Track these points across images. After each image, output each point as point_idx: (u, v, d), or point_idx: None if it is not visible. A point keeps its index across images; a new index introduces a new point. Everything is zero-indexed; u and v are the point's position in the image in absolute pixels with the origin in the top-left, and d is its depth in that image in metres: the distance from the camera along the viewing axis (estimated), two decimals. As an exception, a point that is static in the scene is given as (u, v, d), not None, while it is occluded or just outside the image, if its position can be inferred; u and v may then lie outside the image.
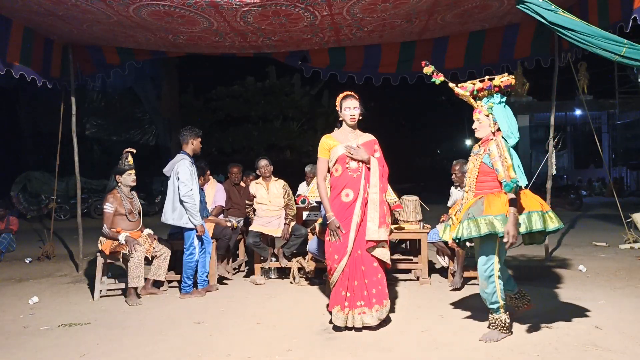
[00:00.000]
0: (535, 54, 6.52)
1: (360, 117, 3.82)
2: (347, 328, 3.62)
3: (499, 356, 3.06)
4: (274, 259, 5.67)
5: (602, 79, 22.21)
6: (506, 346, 3.22)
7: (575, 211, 14.37)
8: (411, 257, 5.56)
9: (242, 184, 6.42)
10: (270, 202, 5.56)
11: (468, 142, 29.69)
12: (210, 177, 6.05)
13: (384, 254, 3.69)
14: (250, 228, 5.58)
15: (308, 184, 6.25)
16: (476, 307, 4.20)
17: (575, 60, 6.28)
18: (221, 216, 5.91)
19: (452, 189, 5.44)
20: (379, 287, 3.66)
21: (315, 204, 5.72)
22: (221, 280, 5.51)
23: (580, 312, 3.94)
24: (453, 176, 5.28)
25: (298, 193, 6.16)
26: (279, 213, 5.58)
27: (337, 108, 3.86)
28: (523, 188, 3.27)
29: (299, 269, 5.42)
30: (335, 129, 3.92)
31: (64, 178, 13.69)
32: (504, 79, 3.32)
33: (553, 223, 3.18)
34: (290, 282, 5.39)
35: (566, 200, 15.48)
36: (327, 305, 3.93)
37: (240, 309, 4.39)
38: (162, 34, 5.75)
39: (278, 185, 5.64)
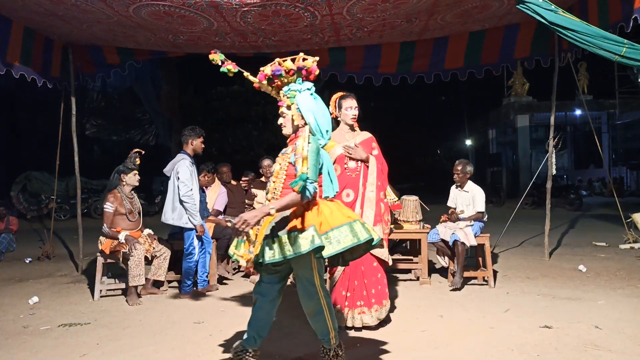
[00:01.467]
0: (535, 54, 6.52)
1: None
2: (347, 328, 3.62)
3: (499, 356, 3.06)
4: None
5: (602, 79, 22.19)
6: (506, 346, 3.22)
7: (575, 211, 14.36)
8: (411, 257, 5.56)
9: (233, 182, 6.40)
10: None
11: (468, 142, 29.72)
12: (216, 179, 6.05)
13: (381, 252, 3.69)
14: (251, 228, 5.57)
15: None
16: (476, 307, 4.20)
17: (575, 60, 6.28)
18: (221, 216, 5.91)
19: (453, 188, 5.44)
20: (379, 287, 3.66)
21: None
22: (221, 280, 5.51)
23: (580, 312, 3.94)
24: (455, 176, 5.29)
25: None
26: (279, 213, 5.58)
27: (333, 108, 3.84)
28: (330, 198, 2.76)
29: (299, 269, 5.41)
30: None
31: (64, 178, 13.68)
32: (307, 61, 2.71)
33: (366, 233, 2.61)
34: (290, 282, 5.39)
35: (566, 200, 15.47)
36: None
37: (240, 309, 4.39)
38: (162, 34, 5.75)
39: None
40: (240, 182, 6.07)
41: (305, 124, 2.70)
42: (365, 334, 3.57)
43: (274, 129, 20.91)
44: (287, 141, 2.79)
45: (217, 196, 5.93)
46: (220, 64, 2.78)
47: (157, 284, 5.09)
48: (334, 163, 3.72)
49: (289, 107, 2.74)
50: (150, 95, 19.97)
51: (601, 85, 22.37)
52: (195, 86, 20.50)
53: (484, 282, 5.09)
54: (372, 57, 6.88)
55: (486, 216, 5.28)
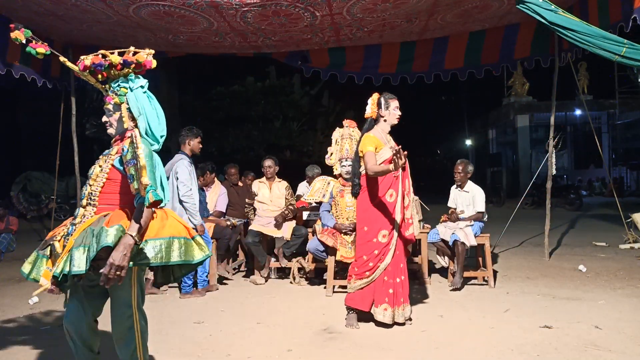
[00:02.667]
0: (535, 54, 6.53)
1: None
2: (386, 325, 3.69)
3: (499, 356, 3.06)
4: (274, 258, 5.67)
5: (602, 79, 22.20)
6: (506, 346, 3.21)
7: (575, 211, 14.35)
8: (411, 257, 5.56)
9: (239, 183, 6.42)
10: (271, 202, 5.56)
11: (468, 142, 29.72)
12: (216, 179, 6.05)
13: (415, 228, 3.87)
14: (250, 227, 5.58)
15: (309, 184, 6.25)
16: (476, 307, 4.20)
17: (575, 60, 6.28)
18: (222, 217, 5.91)
19: (453, 188, 5.44)
20: (406, 286, 3.81)
21: (315, 204, 5.72)
22: (221, 280, 5.51)
23: (580, 312, 3.94)
24: (455, 176, 5.29)
25: (298, 193, 6.16)
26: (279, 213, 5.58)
27: (376, 107, 3.75)
28: (162, 207, 2.34)
29: (299, 269, 5.42)
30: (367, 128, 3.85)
31: (64, 178, 13.67)
32: (138, 55, 2.41)
33: (201, 251, 2.41)
34: (290, 282, 5.39)
35: (566, 200, 15.47)
36: (343, 301, 3.89)
37: (240, 309, 4.39)
38: (162, 34, 5.75)
39: (281, 187, 5.65)
40: (247, 180, 6.09)
41: (136, 126, 2.33)
42: (365, 334, 3.57)
43: (274, 129, 20.95)
44: (112, 142, 2.39)
45: (218, 197, 5.93)
46: (24, 42, 2.37)
47: (157, 284, 5.09)
48: (380, 164, 3.62)
49: (117, 105, 2.36)
50: (150, 95, 19.95)
51: (601, 85, 22.38)
52: (195, 86, 20.50)
53: (484, 282, 5.08)
54: (372, 57, 6.89)
55: (486, 216, 5.28)
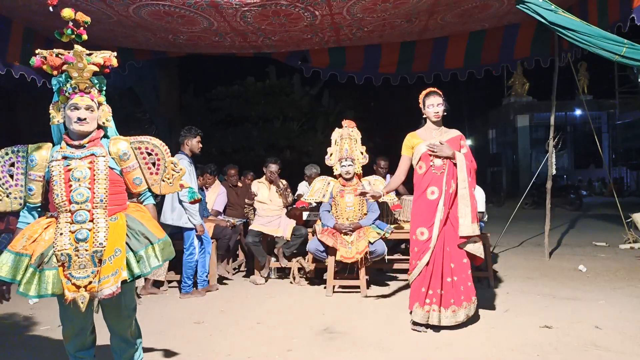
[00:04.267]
0: (535, 54, 6.53)
1: (445, 114, 3.73)
2: (427, 325, 3.59)
3: (499, 356, 3.06)
4: (274, 258, 5.67)
5: (602, 79, 22.22)
6: (506, 346, 3.22)
7: (575, 211, 14.36)
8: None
9: (239, 183, 6.42)
10: (271, 202, 5.56)
11: (468, 142, 29.65)
12: (216, 179, 6.05)
13: (476, 248, 3.61)
14: (251, 227, 5.58)
15: (309, 184, 6.25)
16: (476, 307, 4.20)
17: (575, 60, 6.28)
18: (220, 216, 5.91)
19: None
20: (468, 284, 3.60)
21: (315, 204, 5.72)
22: (221, 280, 5.51)
23: (580, 312, 3.94)
24: None
25: (298, 192, 6.16)
26: (279, 213, 5.58)
27: (420, 105, 3.76)
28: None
29: (299, 269, 5.42)
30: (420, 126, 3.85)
31: (64, 178, 13.66)
32: (113, 60, 2.44)
33: (157, 260, 2.34)
34: (290, 282, 5.40)
35: (566, 200, 15.48)
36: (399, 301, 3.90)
37: (240, 309, 4.39)
38: (162, 34, 5.75)
39: (282, 183, 5.65)
40: (248, 181, 6.08)
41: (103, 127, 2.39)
42: (365, 334, 3.57)
43: (274, 129, 20.90)
44: (86, 142, 2.29)
45: (217, 196, 5.94)
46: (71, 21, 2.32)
47: (157, 284, 5.09)
48: (419, 160, 3.68)
49: (99, 105, 2.36)
50: (150, 95, 19.95)
51: (601, 85, 22.39)
52: (195, 86, 20.50)
53: (484, 282, 5.08)
54: (372, 57, 6.89)
55: (486, 216, 5.28)
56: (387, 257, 5.31)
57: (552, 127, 6.31)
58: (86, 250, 2.14)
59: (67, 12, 2.24)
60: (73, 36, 2.32)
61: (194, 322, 3.97)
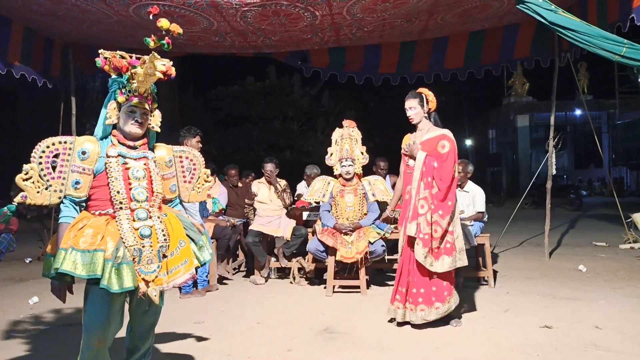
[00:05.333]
0: (535, 54, 6.53)
1: (427, 115, 3.70)
2: (398, 323, 3.67)
3: (499, 356, 3.06)
4: (274, 259, 5.67)
5: (602, 79, 22.23)
6: (506, 346, 3.21)
7: (575, 211, 14.36)
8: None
9: (239, 184, 6.42)
10: (271, 202, 5.56)
11: (468, 142, 29.73)
12: (216, 179, 6.05)
13: (420, 254, 3.51)
14: (251, 227, 5.58)
15: (308, 185, 6.25)
16: (476, 307, 4.20)
17: (575, 60, 6.28)
18: (221, 217, 5.91)
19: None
20: (443, 284, 3.59)
21: (315, 204, 5.72)
22: (221, 280, 5.51)
23: (580, 312, 3.94)
24: (457, 175, 5.28)
25: (298, 192, 6.16)
26: (279, 213, 5.58)
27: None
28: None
29: (299, 269, 5.42)
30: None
31: (64, 178, 13.65)
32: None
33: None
34: (290, 282, 5.40)
35: (566, 200, 15.49)
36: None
37: (240, 309, 4.39)
38: (162, 34, 5.75)
39: (279, 186, 5.64)
40: (248, 181, 6.07)
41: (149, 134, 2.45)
42: (365, 334, 3.57)
43: (274, 129, 20.92)
44: (140, 143, 2.37)
45: (217, 197, 5.93)
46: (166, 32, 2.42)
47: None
48: (405, 161, 3.75)
49: (152, 111, 2.42)
50: (150, 95, 19.95)
51: (601, 85, 22.40)
52: (195, 86, 20.51)
53: (484, 282, 5.08)
54: (372, 57, 6.90)
55: (486, 216, 5.28)
56: (387, 257, 5.31)
57: (552, 127, 6.31)
58: (151, 246, 2.22)
59: (164, 23, 2.33)
60: (162, 44, 2.42)
61: (194, 322, 3.97)
